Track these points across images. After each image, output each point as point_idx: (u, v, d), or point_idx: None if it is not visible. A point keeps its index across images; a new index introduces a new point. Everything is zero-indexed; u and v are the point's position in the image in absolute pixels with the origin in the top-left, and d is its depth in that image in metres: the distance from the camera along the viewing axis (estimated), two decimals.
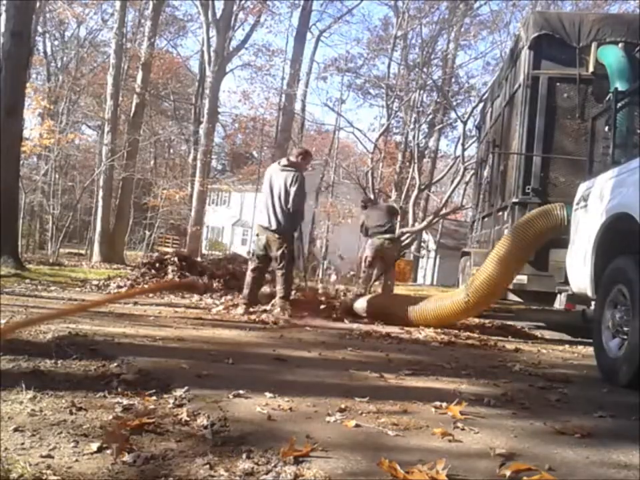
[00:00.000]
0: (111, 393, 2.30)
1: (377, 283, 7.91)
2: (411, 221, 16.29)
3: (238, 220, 36.19)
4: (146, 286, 6.81)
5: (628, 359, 3.15)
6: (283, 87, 20.87)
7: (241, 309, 5.56)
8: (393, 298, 6.77)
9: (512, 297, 6.39)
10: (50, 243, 18.25)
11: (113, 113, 17.18)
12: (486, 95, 11.57)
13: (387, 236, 7.46)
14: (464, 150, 14.96)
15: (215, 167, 34.96)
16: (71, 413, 2.03)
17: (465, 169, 15.04)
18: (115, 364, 2.79)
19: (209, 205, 29.79)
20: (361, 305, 6.06)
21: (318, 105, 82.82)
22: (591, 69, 5.91)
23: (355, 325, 5.37)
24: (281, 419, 2.15)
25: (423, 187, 17.87)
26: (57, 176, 20.11)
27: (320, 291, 7.40)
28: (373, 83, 24.16)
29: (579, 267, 4.12)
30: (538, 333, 6.25)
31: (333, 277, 6.80)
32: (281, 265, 5.55)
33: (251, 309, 5.57)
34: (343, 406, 2.33)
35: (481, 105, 12.43)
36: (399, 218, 8.17)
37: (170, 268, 7.53)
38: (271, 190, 5.57)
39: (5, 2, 8.57)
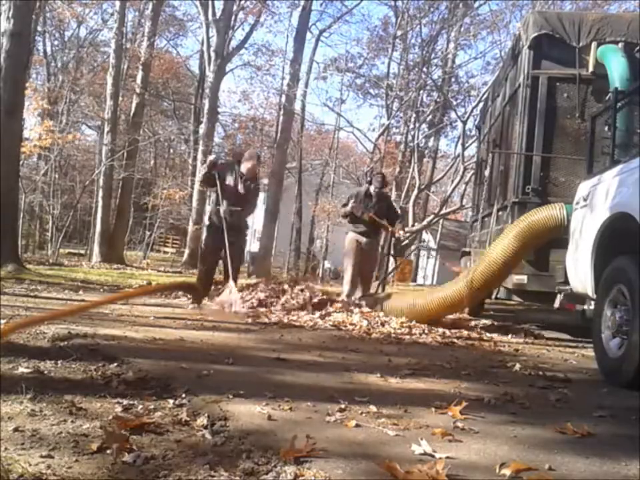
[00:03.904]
0: (111, 393, 2.30)
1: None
2: (411, 221, 16.30)
3: None
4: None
5: (628, 359, 3.15)
6: (282, 86, 20.87)
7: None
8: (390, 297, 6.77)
9: (513, 296, 6.38)
10: (50, 243, 18.28)
11: (112, 112, 17.18)
12: (486, 95, 11.57)
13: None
14: (464, 150, 14.99)
15: None
16: (71, 413, 2.03)
17: (465, 168, 15.06)
18: (115, 364, 2.79)
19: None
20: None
21: (318, 105, 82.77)
22: (590, 68, 5.90)
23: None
24: (281, 418, 2.15)
25: (422, 186, 17.89)
26: (56, 176, 20.12)
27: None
28: (372, 82, 24.17)
29: (578, 266, 4.12)
30: (538, 333, 6.25)
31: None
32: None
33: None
34: (343, 406, 2.33)
35: (481, 104, 12.43)
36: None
37: None
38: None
39: (4, 2, 8.56)
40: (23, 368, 2.58)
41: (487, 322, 6.73)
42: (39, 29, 22.57)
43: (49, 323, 3.62)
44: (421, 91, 20.16)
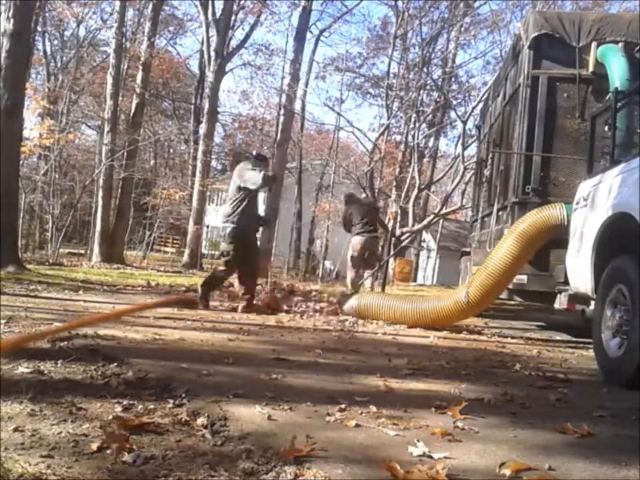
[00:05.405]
0: (111, 393, 2.30)
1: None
2: (410, 221, 16.30)
3: None
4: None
5: (628, 359, 3.15)
6: (282, 86, 20.88)
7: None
8: (386, 298, 6.70)
9: (514, 297, 6.38)
10: (50, 243, 18.27)
11: (112, 112, 17.17)
12: (486, 95, 11.57)
13: (372, 234, 7.64)
14: (464, 150, 14.99)
15: (215, 167, 34.97)
16: (71, 413, 2.03)
17: (465, 168, 15.07)
18: (115, 364, 2.78)
19: (209, 205, 29.81)
20: (350, 305, 6.00)
21: (318, 104, 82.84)
22: (590, 68, 5.91)
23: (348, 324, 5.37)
24: (281, 418, 2.15)
25: (422, 186, 17.89)
26: (56, 176, 20.13)
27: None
28: (372, 82, 24.18)
29: (578, 266, 4.12)
30: (537, 333, 6.26)
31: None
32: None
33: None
34: (343, 406, 2.33)
35: (481, 104, 12.43)
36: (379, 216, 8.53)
37: None
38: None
39: (4, 2, 8.56)
40: (23, 368, 2.58)
41: (488, 322, 6.74)
42: (39, 28, 22.58)
43: (54, 335, 3.60)
44: (421, 91, 20.17)
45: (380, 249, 8.87)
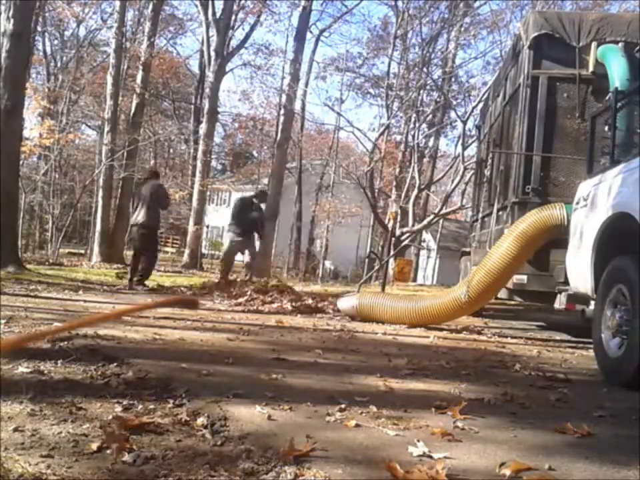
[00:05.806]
0: (111, 393, 2.30)
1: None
2: (410, 221, 16.30)
3: None
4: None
5: (628, 359, 3.15)
6: (282, 86, 20.88)
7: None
8: (385, 297, 6.69)
9: (514, 297, 6.38)
10: (50, 243, 18.29)
11: (112, 112, 17.17)
12: (486, 95, 11.57)
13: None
14: (464, 150, 15.01)
15: (215, 167, 34.98)
16: (71, 413, 2.03)
17: (465, 168, 15.08)
18: (115, 364, 2.78)
19: (209, 205, 29.81)
20: (349, 303, 6.00)
21: (318, 104, 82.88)
22: (591, 68, 5.91)
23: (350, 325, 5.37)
24: (281, 418, 2.15)
25: (422, 186, 17.90)
26: (56, 176, 20.14)
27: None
28: (372, 82, 24.19)
29: (578, 266, 4.12)
30: (537, 333, 6.25)
31: None
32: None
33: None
34: (342, 406, 2.33)
35: (481, 104, 12.43)
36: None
37: None
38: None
39: (4, 2, 8.56)
40: (23, 368, 2.58)
41: (488, 322, 6.74)
42: (39, 28, 22.58)
43: (53, 335, 3.60)
44: (421, 91, 20.18)
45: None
